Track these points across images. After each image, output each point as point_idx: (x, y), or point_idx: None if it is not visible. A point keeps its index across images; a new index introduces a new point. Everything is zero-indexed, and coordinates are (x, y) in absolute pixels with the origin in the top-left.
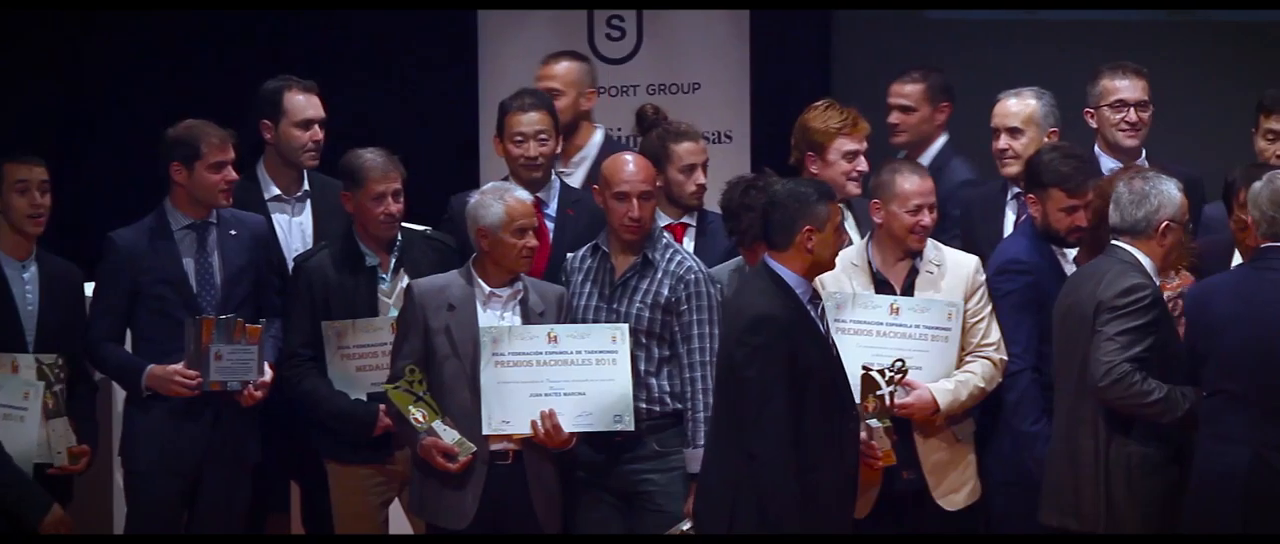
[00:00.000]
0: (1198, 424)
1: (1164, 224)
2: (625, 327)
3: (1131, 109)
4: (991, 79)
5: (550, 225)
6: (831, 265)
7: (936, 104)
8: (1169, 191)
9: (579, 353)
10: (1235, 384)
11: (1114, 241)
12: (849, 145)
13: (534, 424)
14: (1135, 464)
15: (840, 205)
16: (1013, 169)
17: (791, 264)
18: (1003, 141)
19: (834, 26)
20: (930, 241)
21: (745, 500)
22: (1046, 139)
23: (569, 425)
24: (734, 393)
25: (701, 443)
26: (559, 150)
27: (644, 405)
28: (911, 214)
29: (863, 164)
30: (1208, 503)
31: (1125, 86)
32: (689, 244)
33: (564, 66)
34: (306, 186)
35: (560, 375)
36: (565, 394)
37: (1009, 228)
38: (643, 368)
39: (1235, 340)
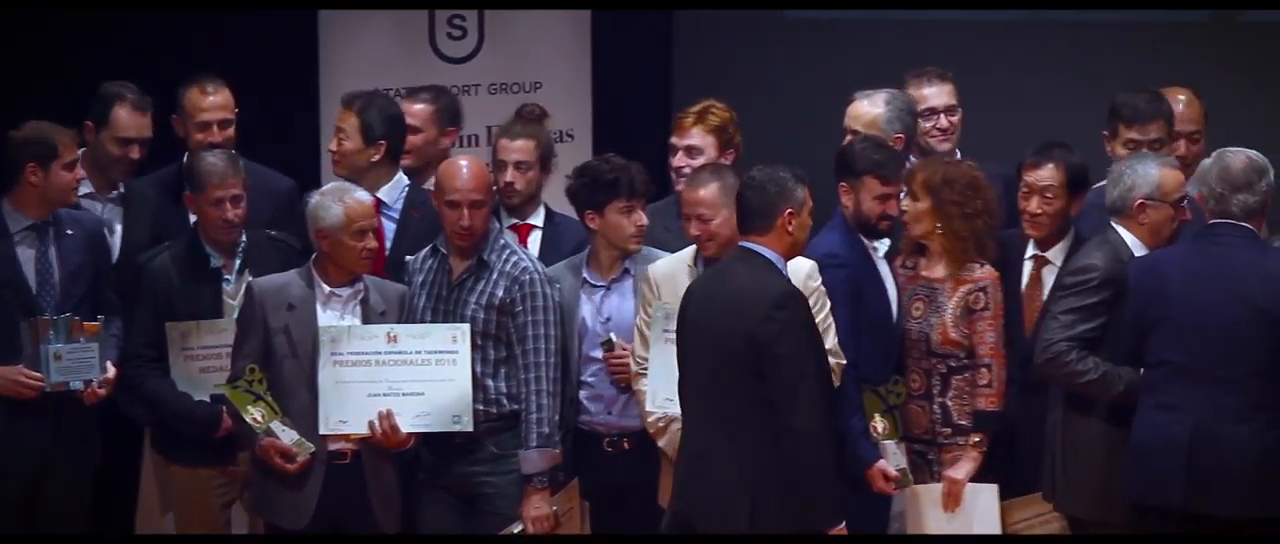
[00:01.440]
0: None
1: (1138, 202)
2: (465, 327)
3: (941, 114)
4: (830, 79)
5: (392, 224)
6: (803, 249)
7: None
8: (1144, 172)
9: (418, 353)
10: (1179, 355)
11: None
12: (672, 140)
13: (371, 425)
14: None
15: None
16: None
17: (773, 246)
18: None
19: (675, 26)
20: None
21: (768, 486)
22: (891, 143)
23: (407, 426)
24: (762, 373)
25: (535, 444)
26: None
27: (481, 407)
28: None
29: (681, 159)
30: (1149, 473)
31: (932, 93)
32: (535, 244)
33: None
34: (122, 189)
35: (399, 375)
36: (404, 394)
37: None
38: (479, 369)
39: (1181, 312)
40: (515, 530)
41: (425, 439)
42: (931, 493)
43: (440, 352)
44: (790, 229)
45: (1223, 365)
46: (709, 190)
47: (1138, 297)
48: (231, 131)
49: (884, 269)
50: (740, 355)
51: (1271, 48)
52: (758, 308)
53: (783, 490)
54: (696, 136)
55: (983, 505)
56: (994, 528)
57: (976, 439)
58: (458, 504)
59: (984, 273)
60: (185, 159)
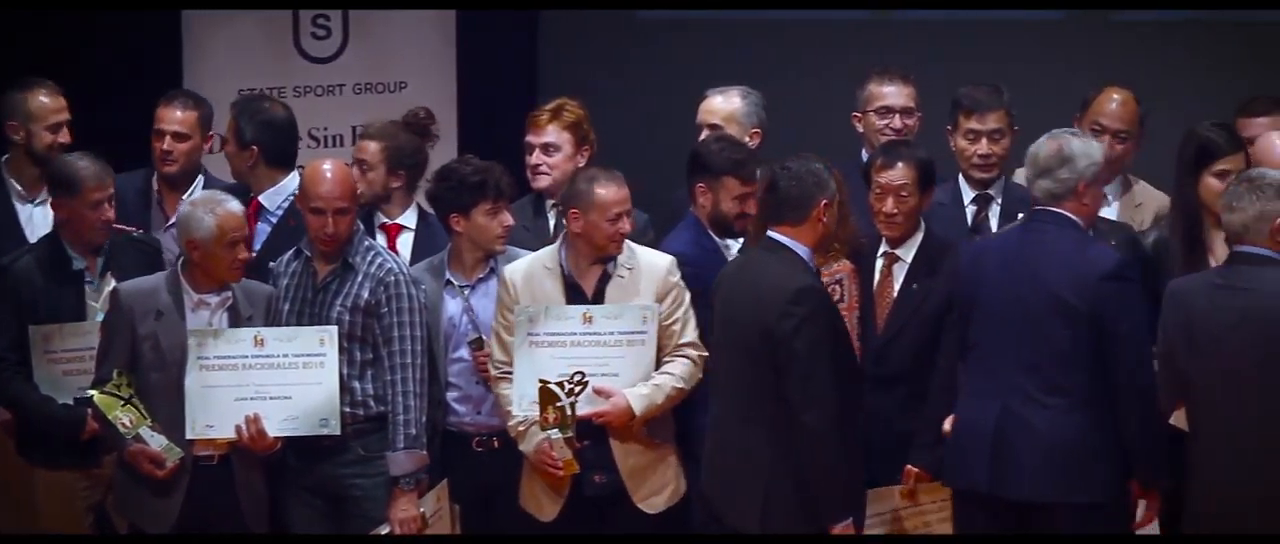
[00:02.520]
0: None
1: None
2: (333, 330)
3: (897, 115)
4: (696, 79)
5: (268, 227)
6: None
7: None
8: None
9: (286, 356)
10: (988, 340)
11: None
12: (528, 138)
13: (238, 429)
14: None
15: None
16: None
17: (804, 237)
18: (706, 138)
19: (540, 26)
20: (628, 244)
21: (780, 478)
22: (748, 138)
23: (273, 430)
24: (777, 368)
25: (402, 445)
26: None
27: (348, 409)
28: (611, 222)
29: (538, 157)
30: (960, 456)
31: (891, 92)
32: (405, 244)
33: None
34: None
35: (266, 379)
36: (271, 398)
37: None
38: (345, 372)
39: (995, 297)
40: (382, 532)
41: (292, 441)
42: (889, 493)
43: (307, 355)
44: (824, 220)
45: (1027, 351)
46: (626, 191)
47: (960, 283)
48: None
49: None
50: (757, 347)
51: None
52: (776, 301)
53: (794, 484)
54: (552, 134)
55: (941, 501)
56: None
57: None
58: (325, 506)
59: (840, 266)
60: (51, 163)
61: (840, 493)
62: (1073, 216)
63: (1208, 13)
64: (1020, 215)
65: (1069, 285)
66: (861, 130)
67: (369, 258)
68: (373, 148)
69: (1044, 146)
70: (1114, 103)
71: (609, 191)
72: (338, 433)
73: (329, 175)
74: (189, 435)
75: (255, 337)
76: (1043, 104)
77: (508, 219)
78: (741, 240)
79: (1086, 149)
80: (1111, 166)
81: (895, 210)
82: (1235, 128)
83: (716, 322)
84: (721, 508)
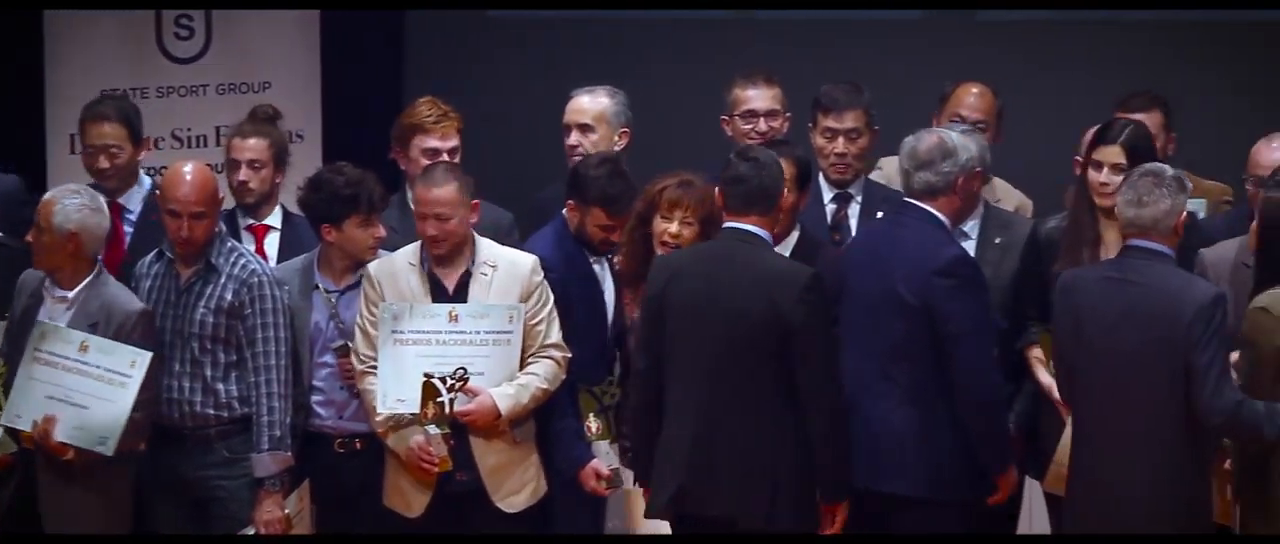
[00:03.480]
0: None
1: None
2: (147, 355)
3: (762, 119)
4: (561, 79)
5: (129, 229)
6: None
7: None
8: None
9: (98, 368)
10: (846, 331)
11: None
12: (431, 142)
13: (35, 424)
14: None
15: None
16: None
17: (770, 228)
18: (574, 138)
19: (405, 25)
20: (486, 242)
21: (788, 464)
22: (617, 138)
23: (60, 434)
24: (783, 353)
25: (266, 447)
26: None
27: (212, 411)
28: (421, 219)
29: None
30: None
31: (754, 96)
32: (272, 245)
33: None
34: None
35: (75, 385)
36: (72, 403)
37: None
38: (209, 373)
39: (853, 288)
40: (248, 532)
41: (155, 443)
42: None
43: (115, 372)
44: (785, 208)
45: (867, 343)
46: (447, 190)
47: (831, 274)
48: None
49: (603, 272)
50: (761, 336)
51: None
52: (789, 289)
53: (801, 473)
54: (448, 139)
55: None
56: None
57: None
58: (190, 507)
59: None
60: None
61: (848, 474)
62: (937, 213)
63: (1072, 12)
64: (880, 214)
65: (904, 279)
66: (730, 134)
67: (232, 260)
68: (263, 146)
69: (924, 140)
70: (972, 95)
71: (419, 191)
72: (110, 454)
73: (187, 179)
74: (2, 422)
75: (82, 341)
76: (907, 103)
77: (380, 231)
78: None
79: (966, 144)
80: None
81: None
82: (1118, 122)
83: (676, 317)
84: (713, 502)
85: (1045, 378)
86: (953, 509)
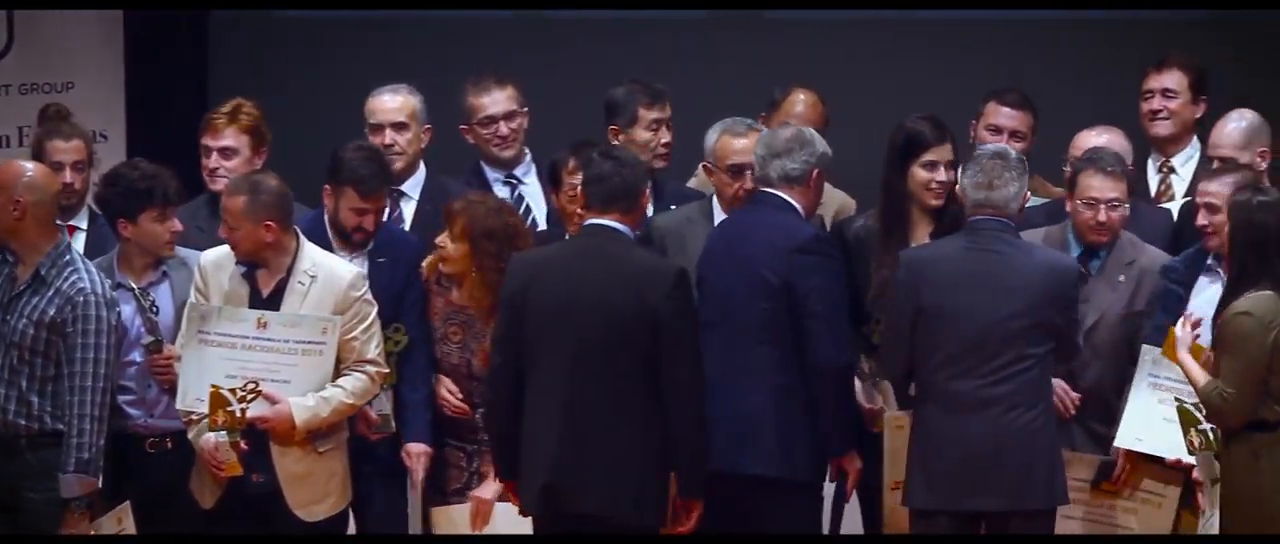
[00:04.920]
0: None
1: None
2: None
3: (501, 122)
4: (368, 78)
5: None
6: None
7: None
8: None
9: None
10: (707, 316)
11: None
12: (205, 140)
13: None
14: None
15: None
16: (400, 165)
17: (634, 225)
18: (388, 137)
19: (209, 25)
20: (312, 249)
21: (656, 460)
22: (423, 136)
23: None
24: (655, 347)
25: (72, 469)
26: None
27: (23, 421)
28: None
29: (216, 161)
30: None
31: (490, 101)
32: (79, 244)
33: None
34: None
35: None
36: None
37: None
38: (24, 385)
39: (710, 274)
40: None
41: None
42: (461, 513)
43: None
44: (643, 207)
45: (732, 329)
46: (234, 201)
47: (697, 266)
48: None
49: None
50: (629, 332)
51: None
52: (657, 286)
53: (661, 467)
54: (230, 137)
55: (512, 524)
56: None
57: None
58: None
59: None
60: None
61: (705, 471)
62: (793, 201)
63: (858, 12)
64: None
65: (765, 260)
66: (472, 142)
67: (64, 274)
68: (82, 146)
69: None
70: (800, 104)
71: (222, 196)
72: None
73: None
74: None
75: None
76: (697, 102)
77: (176, 225)
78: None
79: (820, 138)
80: None
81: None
82: (939, 120)
83: (548, 313)
84: (582, 499)
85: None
86: (807, 491)
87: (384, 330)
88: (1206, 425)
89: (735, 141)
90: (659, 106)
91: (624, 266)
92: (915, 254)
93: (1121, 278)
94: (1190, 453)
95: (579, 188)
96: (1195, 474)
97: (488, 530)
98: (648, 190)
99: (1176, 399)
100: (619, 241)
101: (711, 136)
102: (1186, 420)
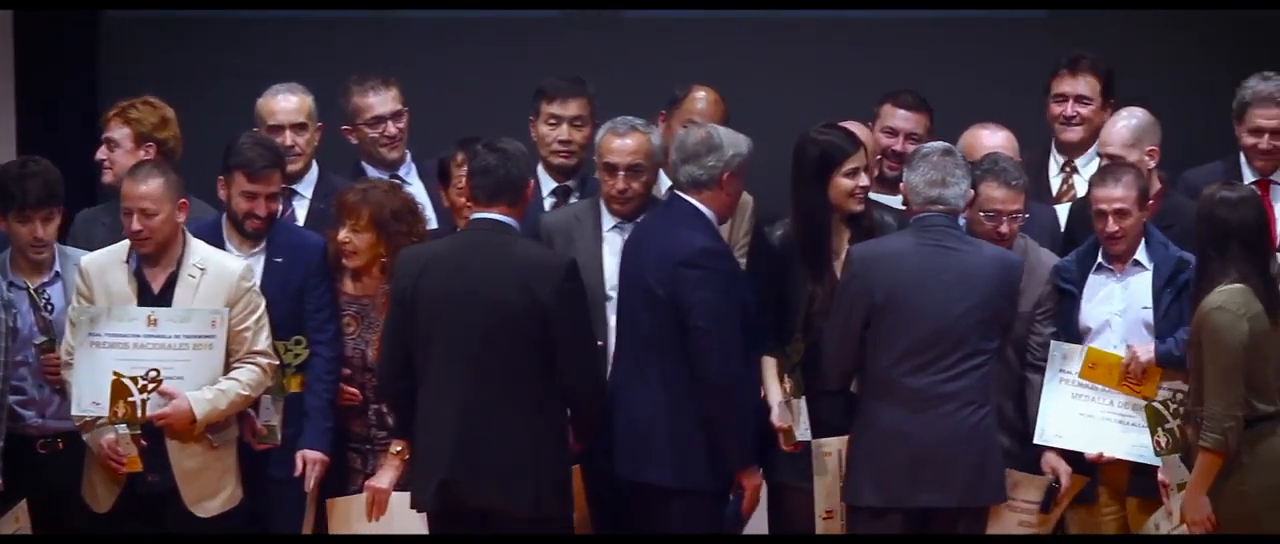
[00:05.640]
0: None
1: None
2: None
3: (388, 122)
4: (261, 78)
5: None
6: None
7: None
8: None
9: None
10: (617, 322)
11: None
12: (104, 134)
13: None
14: None
15: None
16: (294, 167)
17: (519, 218)
18: (289, 138)
19: (101, 24)
20: (198, 244)
21: (551, 452)
22: (316, 134)
23: None
24: (543, 341)
25: None
26: None
27: None
28: (126, 216)
29: (103, 152)
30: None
31: (377, 101)
32: None
33: None
34: None
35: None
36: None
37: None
38: None
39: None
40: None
41: None
42: (357, 503)
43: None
44: (528, 199)
45: (633, 337)
46: (150, 185)
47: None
48: None
49: (257, 262)
50: (521, 325)
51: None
52: (547, 278)
53: (556, 462)
54: (114, 129)
55: (408, 513)
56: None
57: (398, 448)
58: None
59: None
60: None
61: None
62: (701, 206)
63: (714, 12)
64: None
65: (653, 270)
66: (356, 142)
67: None
68: None
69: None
70: (701, 100)
71: (124, 186)
72: None
73: None
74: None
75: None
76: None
77: (38, 230)
78: (263, 243)
79: (734, 140)
80: None
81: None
82: (840, 125)
83: (440, 308)
84: (482, 495)
85: (775, 395)
86: (703, 499)
87: (284, 341)
88: (1172, 424)
89: (613, 141)
90: (558, 102)
91: (512, 261)
92: (868, 250)
93: None
94: (1156, 454)
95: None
96: (1161, 476)
97: (383, 520)
98: (533, 182)
99: (1144, 399)
100: (507, 235)
101: (598, 134)
102: (1153, 421)
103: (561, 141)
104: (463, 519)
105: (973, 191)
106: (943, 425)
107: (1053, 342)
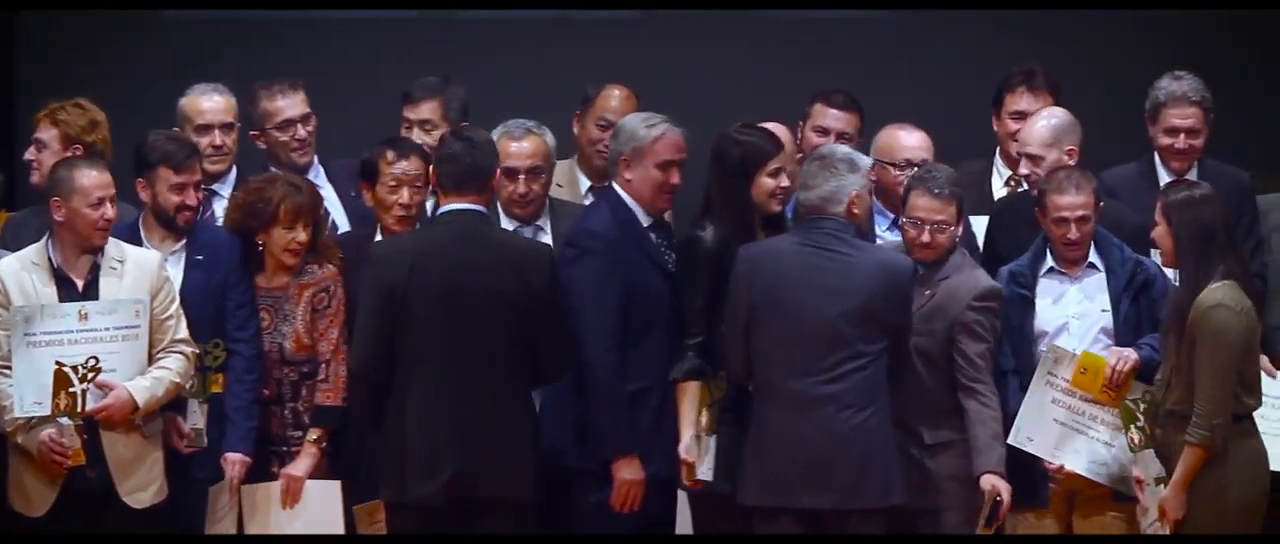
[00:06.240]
0: None
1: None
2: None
3: (298, 125)
4: (180, 78)
5: None
6: None
7: None
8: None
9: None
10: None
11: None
12: (36, 133)
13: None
14: None
15: None
16: (220, 167)
17: (484, 204)
18: (217, 138)
19: (17, 26)
20: (113, 239)
21: (533, 443)
22: (236, 134)
23: None
24: (533, 328)
25: None
26: None
27: None
28: (93, 208)
29: (31, 153)
30: None
31: (286, 105)
32: None
33: None
34: None
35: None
36: None
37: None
38: None
39: None
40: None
41: None
42: (272, 490)
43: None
44: (494, 187)
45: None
46: (105, 175)
47: None
48: None
49: (177, 260)
50: (518, 313)
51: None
52: (539, 266)
53: (535, 442)
54: (43, 131)
55: (323, 502)
56: (336, 525)
57: (315, 435)
58: None
59: (326, 273)
60: None
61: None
62: (619, 191)
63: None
64: None
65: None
66: (265, 146)
67: None
68: None
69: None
70: (615, 98)
71: (90, 178)
72: None
73: None
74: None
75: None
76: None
77: None
78: (183, 242)
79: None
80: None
81: (411, 201)
82: (760, 125)
83: (437, 300)
84: (487, 484)
85: (688, 426)
86: (586, 480)
87: (203, 345)
88: (1143, 422)
89: (511, 145)
90: (408, 106)
91: (505, 251)
92: (751, 250)
93: (929, 292)
94: (1131, 450)
95: (403, 171)
96: (1136, 472)
97: (298, 508)
98: (498, 171)
99: (1114, 407)
100: (490, 225)
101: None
102: (1126, 418)
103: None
104: (474, 508)
105: (855, 192)
106: (823, 427)
107: (1050, 345)
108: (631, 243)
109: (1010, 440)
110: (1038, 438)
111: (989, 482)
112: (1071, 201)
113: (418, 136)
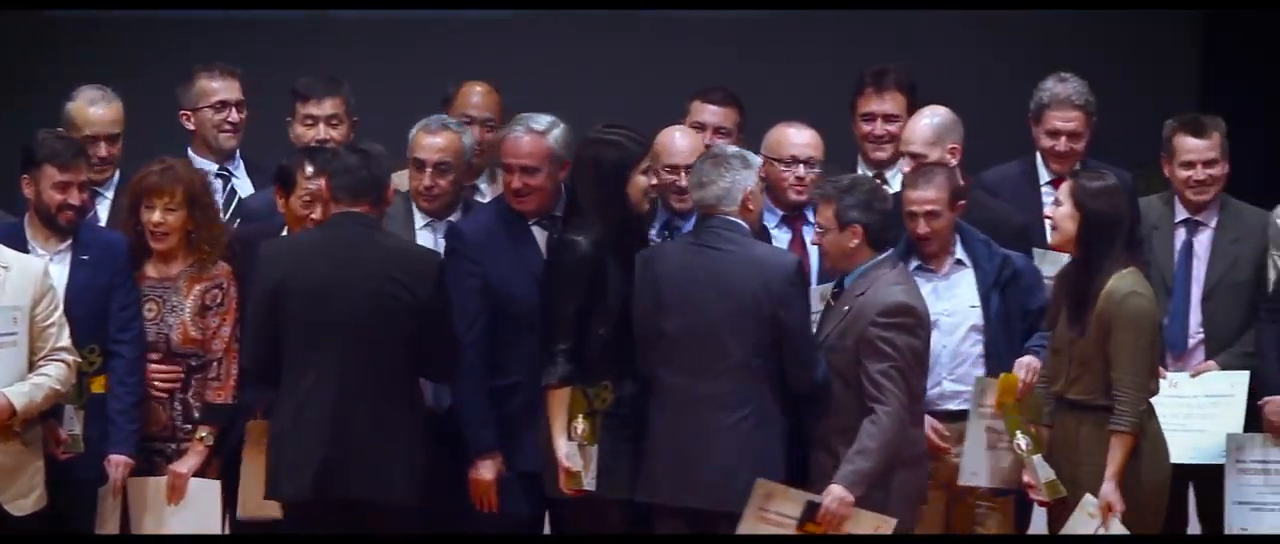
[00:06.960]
0: None
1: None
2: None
3: (232, 108)
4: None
5: None
6: None
7: None
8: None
9: None
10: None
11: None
12: None
13: None
14: None
15: None
16: (103, 176)
17: (377, 214)
18: (103, 150)
19: None
20: None
21: (418, 447)
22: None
23: None
24: (411, 333)
25: None
26: None
27: None
28: None
29: None
30: None
31: (223, 86)
32: None
33: None
34: None
35: None
36: None
37: None
38: None
39: None
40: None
41: None
42: (157, 486)
43: None
44: (389, 200)
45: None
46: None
47: None
48: None
49: (61, 261)
50: (396, 317)
51: None
52: (422, 271)
53: (423, 450)
54: None
55: (204, 500)
56: (214, 524)
57: (204, 433)
58: None
59: (220, 270)
60: None
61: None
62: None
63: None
64: None
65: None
66: (192, 128)
67: None
68: None
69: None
70: (476, 95)
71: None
72: None
73: None
74: None
75: None
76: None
77: None
78: (68, 241)
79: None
80: (488, 152)
81: (323, 219)
82: (623, 124)
83: (312, 302)
84: (350, 483)
85: (561, 433)
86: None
87: (81, 350)
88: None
89: (423, 137)
90: (314, 102)
91: (386, 252)
92: (645, 253)
93: (846, 308)
94: (1020, 455)
95: (320, 187)
96: (1025, 477)
97: (182, 505)
98: (393, 186)
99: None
100: (373, 228)
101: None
102: (1011, 424)
103: (318, 141)
104: (328, 512)
105: (748, 189)
106: (697, 426)
107: (976, 377)
108: (503, 243)
109: (960, 481)
110: (981, 471)
111: (834, 494)
112: (920, 196)
113: (324, 131)
